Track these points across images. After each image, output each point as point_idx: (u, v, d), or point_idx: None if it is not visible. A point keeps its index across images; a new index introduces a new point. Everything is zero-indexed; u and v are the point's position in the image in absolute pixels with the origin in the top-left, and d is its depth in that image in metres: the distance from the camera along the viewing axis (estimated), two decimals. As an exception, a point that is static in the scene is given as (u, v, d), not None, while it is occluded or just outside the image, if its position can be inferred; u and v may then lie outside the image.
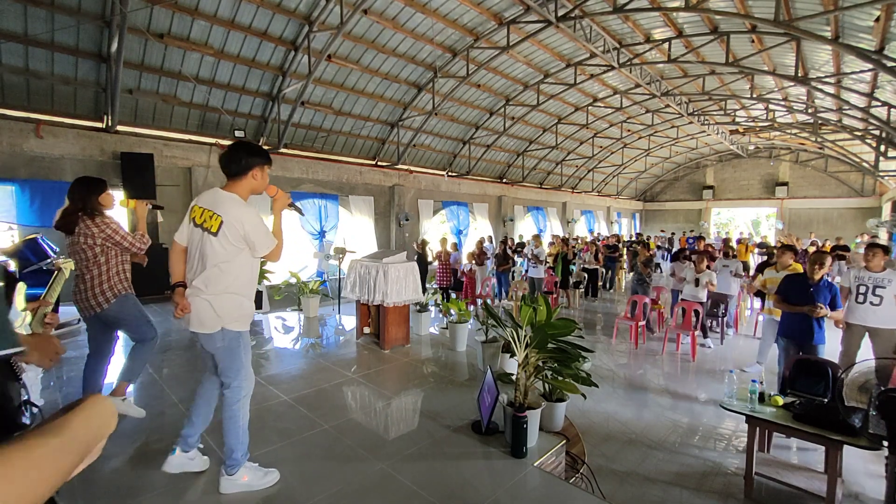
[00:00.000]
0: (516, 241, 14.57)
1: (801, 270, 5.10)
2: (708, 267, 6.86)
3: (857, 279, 4.40)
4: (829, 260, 4.31)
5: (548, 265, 9.77)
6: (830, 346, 4.40)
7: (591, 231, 21.20)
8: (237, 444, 2.41)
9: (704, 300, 6.78)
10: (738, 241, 15.54)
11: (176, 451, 2.49)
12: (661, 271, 16.16)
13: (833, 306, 4.15)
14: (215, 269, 2.26)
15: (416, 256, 9.35)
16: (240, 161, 2.31)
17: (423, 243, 9.94)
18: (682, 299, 6.83)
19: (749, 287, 6.42)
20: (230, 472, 2.42)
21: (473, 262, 10.15)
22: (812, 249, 12.85)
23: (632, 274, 7.83)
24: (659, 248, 17.19)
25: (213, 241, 2.24)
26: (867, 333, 4.37)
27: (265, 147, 9.81)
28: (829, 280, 4.36)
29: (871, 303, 4.26)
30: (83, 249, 3.01)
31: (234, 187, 2.33)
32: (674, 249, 18.02)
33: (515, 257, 11.86)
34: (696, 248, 8.50)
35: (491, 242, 13.32)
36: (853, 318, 4.41)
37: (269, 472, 2.55)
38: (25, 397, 1.41)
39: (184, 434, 2.50)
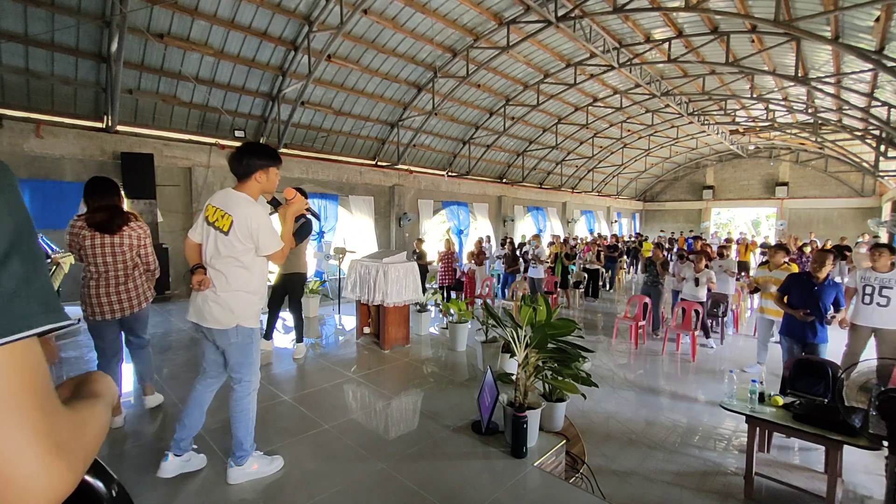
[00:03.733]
0: (517, 241, 14.55)
1: (796, 270, 5.14)
2: (707, 266, 6.87)
3: (864, 279, 4.31)
4: (830, 258, 4.29)
5: (547, 265, 9.78)
6: (834, 346, 4.39)
7: (591, 231, 21.20)
8: (246, 436, 2.50)
9: (704, 300, 6.78)
10: (738, 241, 15.54)
11: (169, 457, 2.49)
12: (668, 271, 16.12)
13: (836, 306, 4.16)
14: (230, 267, 2.34)
15: (415, 256, 9.35)
16: (241, 163, 2.36)
17: (419, 242, 9.96)
18: (682, 299, 6.84)
19: (749, 286, 6.45)
20: (240, 462, 2.50)
21: (473, 262, 10.16)
22: (808, 250, 12.86)
23: (643, 275, 7.82)
24: (660, 247, 17.18)
25: (226, 240, 2.32)
26: (873, 335, 4.30)
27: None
28: (833, 279, 4.36)
29: (878, 304, 4.19)
30: (123, 252, 3.02)
31: (242, 188, 2.40)
32: (674, 249, 18.05)
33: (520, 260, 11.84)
34: (694, 247, 8.51)
35: (489, 242, 13.31)
36: (859, 319, 4.33)
37: (275, 459, 2.67)
38: None
39: (176, 438, 2.51)
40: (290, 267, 4.91)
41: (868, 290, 4.26)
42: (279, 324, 6.79)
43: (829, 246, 14.78)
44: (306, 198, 2.71)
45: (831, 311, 4.18)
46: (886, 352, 4.18)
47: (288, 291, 5.03)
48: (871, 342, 4.36)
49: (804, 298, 4.25)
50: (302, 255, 5.03)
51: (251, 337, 2.45)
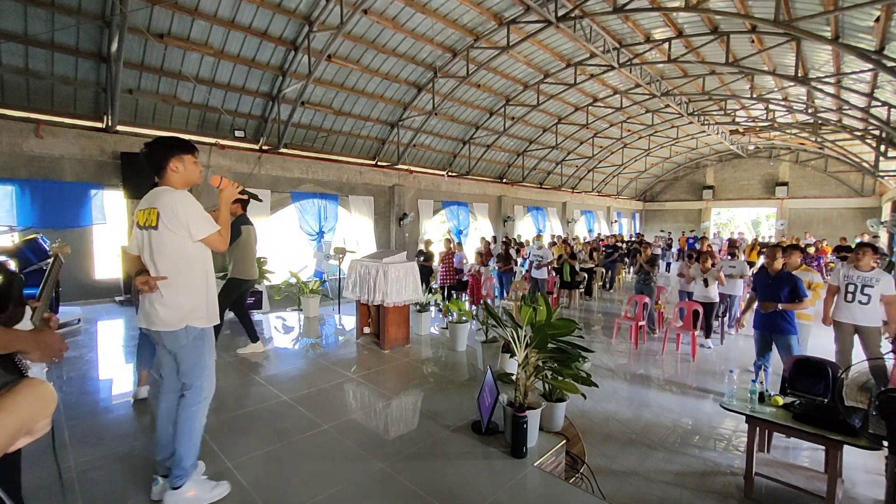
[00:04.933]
0: (517, 241, 14.58)
1: (815, 272, 5.23)
2: (713, 265, 6.87)
3: (846, 277, 4.48)
4: (780, 252, 4.54)
5: (553, 266, 9.75)
6: (822, 344, 4.44)
7: (590, 231, 21.20)
8: (188, 452, 2.28)
9: (717, 300, 6.78)
10: (734, 241, 15.52)
11: (159, 480, 2.36)
12: (669, 269, 16.16)
13: (795, 296, 4.31)
14: (169, 264, 2.23)
15: (422, 258, 9.35)
16: (154, 157, 2.29)
17: (428, 243, 9.95)
18: (693, 300, 6.80)
19: None
20: (176, 484, 2.25)
21: (480, 262, 10.14)
22: (812, 250, 12.88)
23: (635, 275, 7.83)
24: (648, 244, 17.17)
25: (157, 234, 2.21)
26: (856, 332, 4.46)
27: (265, 146, 9.84)
28: (788, 272, 4.55)
29: (860, 301, 4.35)
30: None
31: (163, 183, 2.32)
32: (673, 249, 18.06)
33: (518, 258, 11.84)
34: (700, 248, 8.51)
35: (495, 243, 13.31)
36: (842, 317, 4.50)
37: (219, 485, 2.41)
38: None
39: (159, 460, 2.38)
40: (232, 272, 4.67)
41: (851, 287, 4.42)
42: (279, 324, 6.81)
43: (828, 247, 14.82)
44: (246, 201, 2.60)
45: (782, 301, 4.32)
46: (869, 347, 4.36)
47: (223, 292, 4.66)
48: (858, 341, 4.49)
49: (764, 292, 4.49)
50: (244, 260, 4.68)
51: (202, 339, 2.32)
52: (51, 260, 2.17)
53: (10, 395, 0.66)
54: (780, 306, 4.29)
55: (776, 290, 4.37)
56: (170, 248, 2.22)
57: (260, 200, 2.85)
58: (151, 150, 2.30)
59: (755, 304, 4.66)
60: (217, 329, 4.63)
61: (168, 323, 2.22)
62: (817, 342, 5.93)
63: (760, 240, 17.83)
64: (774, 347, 4.50)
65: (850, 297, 4.41)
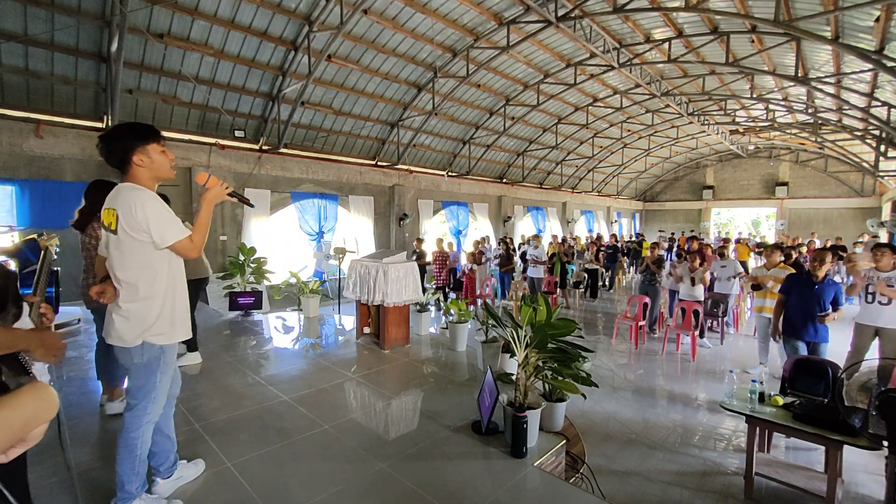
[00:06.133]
0: (518, 241, 14.59)
1: (792, 270, 5.18)
2: (701, 265, 6.87)
3: (867, 279, 4.37)
4: (829, 257, 4.35)
5: (546, 265, 9.79)
6: (837, 346, 4.40)
7: (590, 231, 21.19)
8: (131, 477, 2.10)
9: (702, 299, 6.79)
10: (738, 241, 15.54)
11: (158, 481, 2.35)
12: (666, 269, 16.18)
13: (836, 305, 4.20)
14: (130, 271, 1.99)
15: (414, 256, 9.39)
16: (114, 151, 1.98)
17: (419, 242, 9.99)
18: (679, 299, 6.84)
19: (750, 279, 6.40)
20: None
21: (472, 261, 10.18)
22: (804, 250, 12.85)
23: (639, 275, 7.84)
24: (656, 245, 17.18)
25: (116, 239, 1.97)
26: (876, 334, 4.34)
27: (265, 146, 9.84)
28: (832, 279, 4.40)
29: (880, 302, 4.25)
30: (89, 248, 3.31)
31: (128, 179, 2.04)
32: (674, 249, 18.05)
33: (517, 258, 11.88)
34: (691, 247, 8.51)
35: (487, 243, 13.33)
36: (862, 318, 4.39)
37: None
38: None
39: (153, 466, 2.31)
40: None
41: (871, 288, 4.31)
42: (279, 324, 6.81)
43: (828, 246, 14.81)
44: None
45: (829, 310, 4.18)
46: (889, 350, 4.21)
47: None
48: (875, 342, 4.38)
49: (804, 298, 4.27)
50: (192, 261, 4.34)
51: (159, 359, 2.08)
52: (38, 243, 2.15)
53: (15, 395, 0.67)
54: (836, 315, 4.11)
55: (823, 298, 4.18)
56: (130, 254, 1.98)
57: (252, 206, 2.59)
58: (108, 143, 1.98)
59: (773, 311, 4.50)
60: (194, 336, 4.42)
61: (124, 338, 2.00)
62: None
63: (758, 240, 17.82)
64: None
65: (870, 298, 4.30)
